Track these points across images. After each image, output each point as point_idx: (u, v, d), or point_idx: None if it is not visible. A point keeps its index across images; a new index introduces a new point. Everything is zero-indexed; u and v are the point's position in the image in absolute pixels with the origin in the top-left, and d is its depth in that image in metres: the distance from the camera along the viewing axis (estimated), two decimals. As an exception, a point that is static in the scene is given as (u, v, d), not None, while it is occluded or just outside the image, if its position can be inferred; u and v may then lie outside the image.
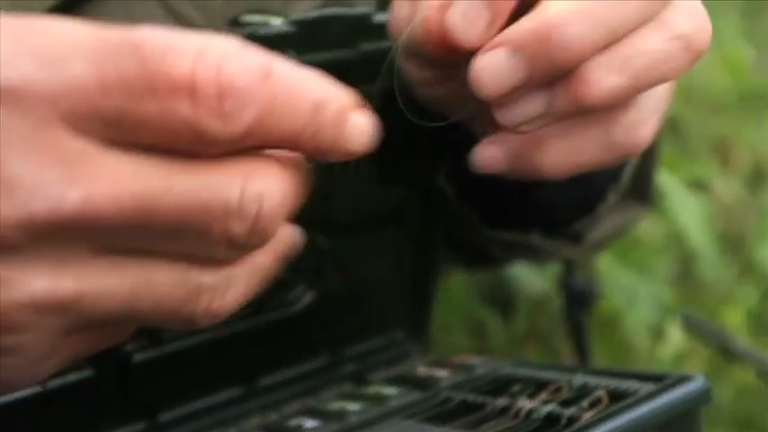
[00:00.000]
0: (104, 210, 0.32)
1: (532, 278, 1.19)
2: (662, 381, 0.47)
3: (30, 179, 0.31)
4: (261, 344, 0.53)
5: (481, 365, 0.55)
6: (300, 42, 0.47)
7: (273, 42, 0.46)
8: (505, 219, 0.63)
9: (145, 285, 0.34)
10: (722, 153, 2.07)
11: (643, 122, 0.46)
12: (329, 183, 0.52)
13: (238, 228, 0.33)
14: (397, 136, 0.41)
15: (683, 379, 0.47)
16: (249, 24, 0.53)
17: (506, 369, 0.54)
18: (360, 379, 0.56)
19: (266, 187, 0.34)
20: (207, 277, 0.35)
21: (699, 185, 1.83)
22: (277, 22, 0.49)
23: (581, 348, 1.04)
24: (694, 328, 1.65)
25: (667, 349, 1.32)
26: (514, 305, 1.24)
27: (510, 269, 1.17)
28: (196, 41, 0.32)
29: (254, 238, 0.34)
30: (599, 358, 1.24)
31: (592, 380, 0.49)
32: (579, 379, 0.49)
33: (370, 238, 0.57)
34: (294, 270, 0.53)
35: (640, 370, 0.49)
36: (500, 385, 0.51)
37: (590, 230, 0.66)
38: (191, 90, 0.31)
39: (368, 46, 0.50)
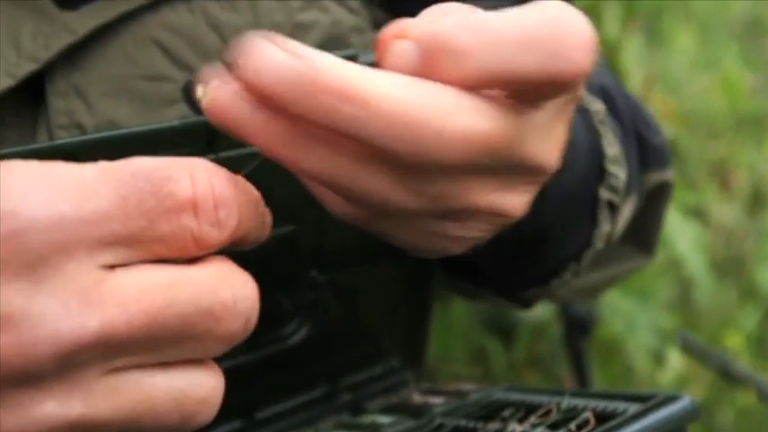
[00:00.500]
0: (119, 331, 0.35)
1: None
2: (649, 400, 0.48)
3: (55, 311, 0.34)
4: (258, 377, 0.54)
5: (475, 391, 0.56)
6: None
7: None
8: (462, 273, 0.64)
9: (146, 403, 0.36)
10: (721, 177, 2.08)
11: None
12: (322, 218, 0.54)
13: (236, 325, 0.37)
14: None
15: (670, 398, 0.48)
16: None
17: (498, 394, 0.55)
18: (356, 408, 0.57)
19: (247, 283, 0.38)
20: (204, 378, 0.38)
21: (697, 211, 1.85)
22: None
23: (581, 374, 1.05)
24: (695, 352, 1.66)
25: (667, 374, 1.33)
26: (515, 331, 1.25)
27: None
28: (185, 164, 0.37)
29: (247, 332, 0.38)
30: (600, 384, 1.25)
31: (579, 402, 0.50)
32: (567, 402, 0.50)
33: (365, 270, 0.58)
34: (289, 305, 0.55)
35: (628, 390, 0.50)
36: (492, 410, 0.52)
37: (541, 298, 0.66)
38: (193, 205, 0.36)
39: None
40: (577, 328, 1.04)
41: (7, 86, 0.50)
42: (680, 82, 2.36)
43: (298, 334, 0.55)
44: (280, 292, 0.54)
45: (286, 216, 0.52)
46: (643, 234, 0.69)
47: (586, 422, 0.48)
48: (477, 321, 1.28)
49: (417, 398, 0.57)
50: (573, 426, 0.47)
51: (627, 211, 0.65)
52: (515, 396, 0.53)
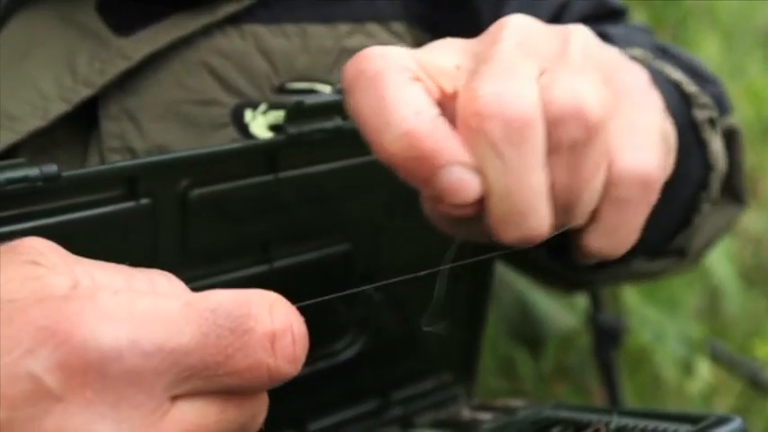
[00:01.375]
0: None
1: (561, 315, 1.21)
2: (699, 422, 0.49)
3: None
4: (310, 390, 0.55)
5: (523, 408, 0.57)
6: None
7: (321, 111, 0.49)
8: None
9: None
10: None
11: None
12: (377, 235, 0.55)
13: None
14: None
15: (721, 420, 0.48)
16: (295, 92, 0.56)
17: (546, 412, 0.56)
18: (406, 422, 0.58)
19: None
20: None
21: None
22: (325, 91, 0.51)
23: (611, 385, 1.06)
24: (724, 361, 1.66)
25: (696, 384, 1.33)
26: (543, 342, 1.26)
27: (538, 306, 1.20)
28: (265, 299, 0.38)
29: None
30: (629, 394, 1.26)
31: (629, 421, 0.51)
32: (616, 421, 0.51)
33: (420, 286, 0.59)
34: (343, 320, 0.56)
35: (677, 411, 0.51)
36: (540, 428, 0.53)
37: (691, 241, 0.67)
38: (272, 341, 0.37)
39: None
40: (607, 339, 1.04)
41: (62, 112, 0.52)
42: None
43: (351, 349, 0.57)
44: (334, 307, 0.55)
45: (342, 234, 0.54)
46: (731, 181, 0.69)
47: None
48: (504, 332, 1.29)
49: (467, 413, 0.58)
50: None
51: (719, 142, 0.66)
52: (564, 414, 0.55)
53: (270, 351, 0.37)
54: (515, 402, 0.58)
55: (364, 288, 0.56)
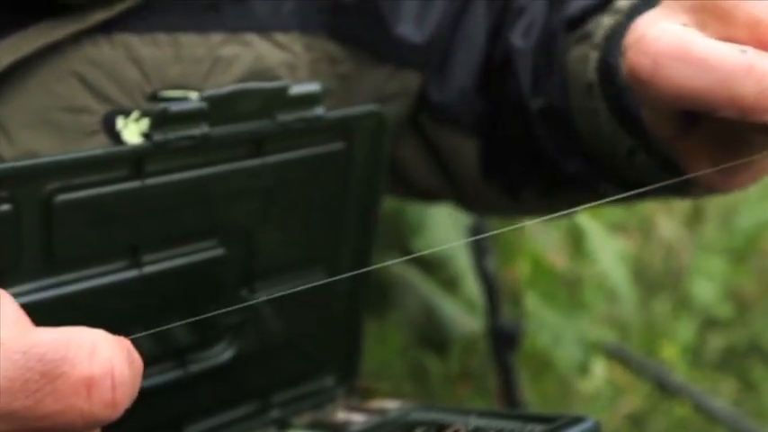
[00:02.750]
0: None
1: (464, 319, 1.24)
2: (552, 422, 0.50)
3: None
4: (187, 394, 0.56)
5: (395, 410, 0.58)
6: (215, 116, 0.51)
7: (187, 118, 0.50)
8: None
9: None
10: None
11: None
12: (251, 240, 0.56)
13: None
14: None
15: (574, 420, 0.50)
16: (167, 99, 0.56)
17: (416, 413, 0.57)
18: (284, 424, 0.59)
19: None
20: None
21: (619, 227, 1.89)
22: (193, 97, 0.52)
23: (509, 386, 1.08)
24: (631, 364, 1.70)
25: (591, 384, 1.36)
26: (448, 346, 1.28)
27: (442, 311, 1.22)
28: (87, 341, 0.36)
29: None
30: (534, 396, 1.28)
31: (486, 422, 0.52)
32: (474, 421, 0.52)
33: (298, 285, 0.60)
34: (219, 324, 0.57)
35: (534, 412, 0.53)
36: (405, 429, 0.55)
37: None
38: (88, 387, 0.36)
39: (285, 116, 0.54)
40: (504, 342, 1.07)
41: None
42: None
43: (226, 353, 0.57)
44: (208, 312, 0.56)
45: (214, 239, 0.55)
46: None
47: None
48: (412, 336, 1.30)
49: (341, 415, 0.59)
50: None
51: None
52: (430, 415, 0.56)
53: (85, 396, 0.36)
54: (390, 404, 0.60)
55: (249, 302, 0.57)
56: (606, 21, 0.62)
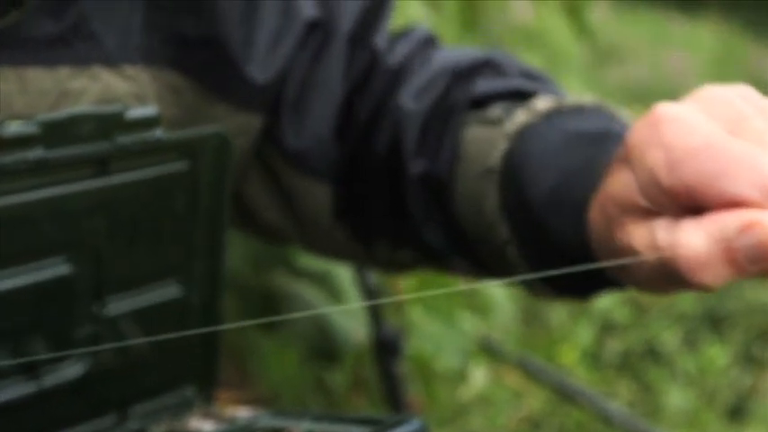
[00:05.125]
0: None
1: (355, 328, 1.26)
2: (378, 424, 0.54)
3: None
4: (43, 407, 0.58)
5: (243, 418, 0.61)
6: (51, 139, 0.53)
7: (21, 141, 0.52)
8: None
9: None
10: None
11: None
12: (99, 255, 0.58)
13: None
14: None
15: (398, 421, 0.54)
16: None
17: (264, 420, 0.60)
18: None
19: None
20: None
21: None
22: (17, 123, 0.53)
23: (395, 394, 1.11)
24: (530, 369, 1.74)
25: (473, 390, 1.40)
26: (340, 357, 1.30)
27: (332, 322, 1.24)
28: None
29: None
30: (423, 402, 1.32)
31: (316, 426, 0.55)
32: (305, 425, 0.55)
33: (152, 300, 0.62)
34: (68, 340, 0.59)
35: (363, 415, 0.56)
36: None
37: None
38: None
39: (124, 139, 0.56)
40: (386, 351, 1.10)
41: None
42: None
43: (79, 366, 0.59)
44: (59, 328, 0.58)
45: (61, 256, 0.57)
46: None
47: None
48: (307, 349, 1.32)
49: (194, 423, 0.62)
50: None
51: None
52: (275, 421, 0.59)
53: None
54: (242, 412, 0.62)
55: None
56: (521, 116, 0.65)
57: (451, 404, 1.39)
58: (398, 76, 0.73)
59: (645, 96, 2.85)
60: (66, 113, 0.54)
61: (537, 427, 1.70)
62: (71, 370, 0.59)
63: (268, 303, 1.17)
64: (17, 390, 0.57)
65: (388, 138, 0.71)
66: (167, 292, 0.62)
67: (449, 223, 0.68)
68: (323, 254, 0.80)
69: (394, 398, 1.12)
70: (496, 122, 0.66)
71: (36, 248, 0.56)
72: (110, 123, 0.56)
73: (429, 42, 0.75)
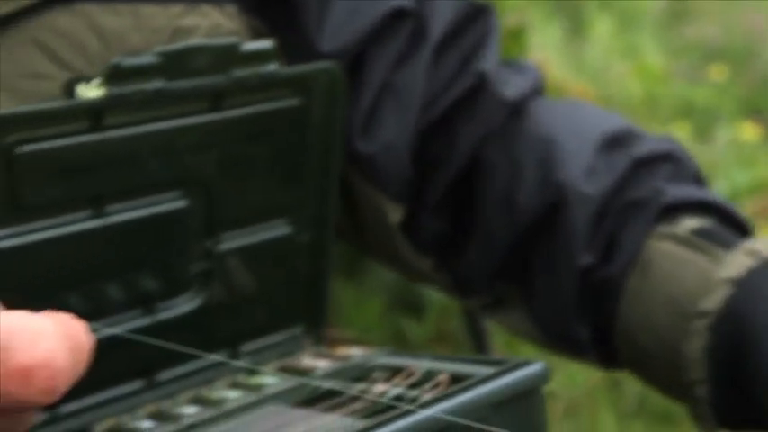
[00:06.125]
0: None
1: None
2: (501, 364, 0.53)
3: None
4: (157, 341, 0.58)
5: (358, 356, 0.61)
6: (170, 71, 0.53)
7: (141, 71, 0.52)
8: None
9: None
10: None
11: None
12: (211, 192, 0.58)
13: None
14: None
15: (521, 363, 0.53)
16: None
17: (378, 359, 0.60)
18: (253, 371, 0.61)
19: None
20: None
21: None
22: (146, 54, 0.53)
23: (482, 349, 1.11)
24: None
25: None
26: (425, 309, 1.30)
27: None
28: (31, 328, 0.37)
29: None
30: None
31: (440, 364, 0.55)
32: (427, 364, 0.55)
33: (262, 237, 0.62)
34: (184, 275, 0.59)
35: (484, 357, 0.55)
36: (364, 373, 0.57)
37: None
38: (25, 375, 0.37)
39: (240, 72, 0.56)
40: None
41: None
42: (598, 68, 2.42)
43: (193, 302, 0.59)
44: (174, 263, 0.58)
45: (176, 191, 0.57)
46: None
47: (440, 383, 0.53)
48: (390, 301, 1.32)
49: (306, 361, 0.61)
50: (428, 386, 0.52)
51: None
52: (391, 360, 0.58)
53: (22, 385, 0.37)
54: (354, 351, 0.62)
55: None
56: (744, 259, 0.62)
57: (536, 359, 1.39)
58: (519, 114, 0.69)
59: (720, 56, 2.81)
60: (183, 45, 0.54)
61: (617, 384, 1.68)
62: (185, 305, 0.59)
63: (353, 253, 1.16)
64: (132, 323, 0.57)
65: (508, 186, 0.68)
66: (276, 230, 0.62)
67: (600, 322, 0.66)
68: (381, 261, 0.78)
69: (480, 351, 1.11)
70: (704, 250, 0.63)
71: (151, 183, 0.56)
72: (225, 56, 0.55)
73: (542, 84, 0.72)
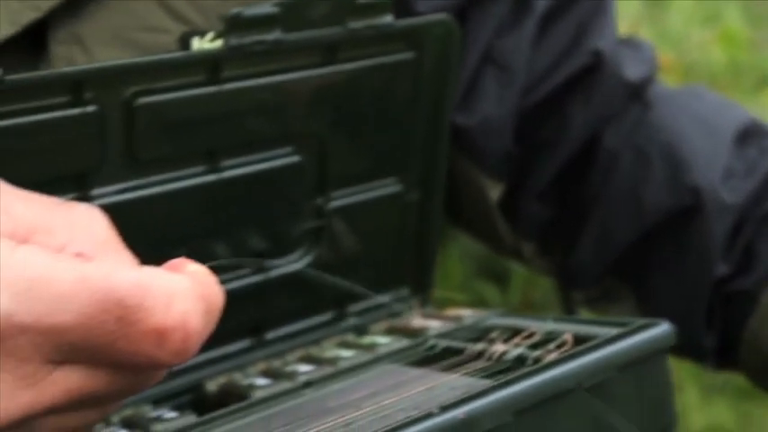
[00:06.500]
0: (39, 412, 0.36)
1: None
2: (626, 325, 0.51)
3: None
4: (266, 299, 0.57)
5: (470, 317, 0.59)
6: (287, 21, 0.52)
7: (261, 22, 0.51)
8: None
9: None
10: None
11: None
12: (324, 148, 0.57)
13: None
14: None
15: (646, 324, 0.51)
16: None
17: (491, 319, 0.58)
18: (361, 331, 0.60)
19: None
20: None
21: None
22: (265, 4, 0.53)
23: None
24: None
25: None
26: (510, 278, 1.28)
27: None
28: (165, 290, 0.37)
29: None
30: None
31: (561, 326, 0.53)
32: (549, 325, 0.53)
33: (371, 195, 0.61)
34: (295, 232, 0.58)
35: (609, 318, 0.53)
36: (481, 333, 0.56)
37: None
38: (160, 336, 0.37)
39: (356, 24, 0.55)
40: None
41: (10, 34, 0.53)
42: (680, 36, 2.38)
43: (303, 260, 0.58)
44: (285, 220, 0.57)
45: (290, 146, 0.56)
46: None
47: (564, 343, 0.51)
48: (473, 269, 1.31)
49: (417, 321, 0.60)
50: (552, 346, 0.51)
51: None
52: (506, 321, 0.57)
53: (155, 344, 0.37)
54: (465, 312, 0.61)
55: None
56: None
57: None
58: (639, 99, 0.66)
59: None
60: None
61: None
62: (295, 264, 0.58)
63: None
64: (244, 280, 0.56)
65: (634, 180, 0.66)
66: (386, 188, 0.61)
67: (728, 333, 0.65)
68: (479, 239, 0.76)
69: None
70: None
71: (265, 138, 0.55)
72: (341, 7, 0.54)
73: (658, 66, 0.69)
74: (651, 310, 0.68)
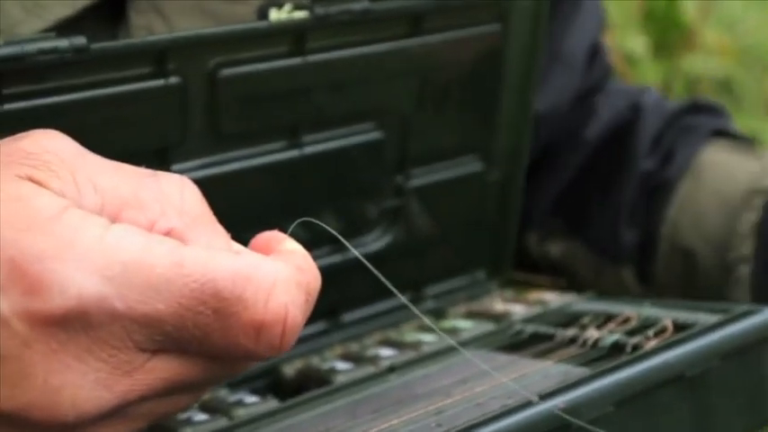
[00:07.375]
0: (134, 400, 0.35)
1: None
2: (727, 312, 0.49)
3: (76, 380, 0.34)
4: (343, 281, 0.55)
5: (555, 301, 0.57)
6: None
7: None
8: None
9: None
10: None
11: None
12: (406, 124, 0.55)
13: None
14: None
15: (748, 312, 0.49)
16: None
17: (579, 304, 0.56)
18: (439, 314, 0.58)
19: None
20: None
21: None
22: None
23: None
24: None
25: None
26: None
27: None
28: (266, 281, 0.35)
29: None
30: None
31: (660, 312, 0.51)
32: (647, 310, 0.51)
33: (452, 174, 0.59)
34: (374, 211, 0.56)
35: (708, 303, 0.51)
36: (571, 318, 0.53)
37: None
38: (258, 330, 0.35)
39: None
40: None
41: (89, 3, 0.52)
42: (734, 17, 2.33)
43: (381, 240, 0.57)
44: (364, 198, 0.55)
45: (372, 122, 0.54)
46: None
47: (664, 330, 0.49)
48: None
49: (499, 306, 0.58)
50: (651, 333, 0.48)
51: None
52: (597, 305, 0.55)
53: (252, 338, 0.35)
54: (548, 296, 0.58)
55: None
56: None
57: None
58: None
59: None
60: None
61: None
62: (374, 243, 0.56)
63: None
64: (320, 260, 0.54)
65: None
66: (467, 166, 0.59)
67: (649, 227, 0.70)
68: None
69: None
70: (747, 150, 0.70)
71: (347, 113, 0.53)
72: None
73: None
74: (589, 227, 0.73)
